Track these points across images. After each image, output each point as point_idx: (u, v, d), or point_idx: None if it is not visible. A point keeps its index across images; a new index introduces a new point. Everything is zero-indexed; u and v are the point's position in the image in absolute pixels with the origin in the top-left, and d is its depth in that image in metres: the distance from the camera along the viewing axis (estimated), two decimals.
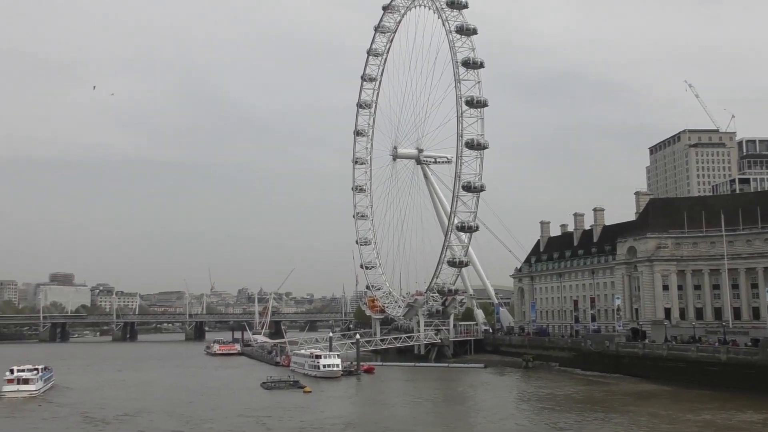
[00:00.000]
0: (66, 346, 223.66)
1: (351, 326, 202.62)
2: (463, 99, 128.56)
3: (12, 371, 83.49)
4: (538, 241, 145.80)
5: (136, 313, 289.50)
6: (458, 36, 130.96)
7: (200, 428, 59.65)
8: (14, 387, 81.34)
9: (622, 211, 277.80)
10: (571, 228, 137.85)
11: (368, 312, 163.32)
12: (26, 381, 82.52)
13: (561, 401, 73.65)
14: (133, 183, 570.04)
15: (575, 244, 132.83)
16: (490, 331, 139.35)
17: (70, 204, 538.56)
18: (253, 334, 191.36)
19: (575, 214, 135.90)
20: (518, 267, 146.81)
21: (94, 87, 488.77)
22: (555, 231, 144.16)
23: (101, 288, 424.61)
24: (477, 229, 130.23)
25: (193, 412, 68.41)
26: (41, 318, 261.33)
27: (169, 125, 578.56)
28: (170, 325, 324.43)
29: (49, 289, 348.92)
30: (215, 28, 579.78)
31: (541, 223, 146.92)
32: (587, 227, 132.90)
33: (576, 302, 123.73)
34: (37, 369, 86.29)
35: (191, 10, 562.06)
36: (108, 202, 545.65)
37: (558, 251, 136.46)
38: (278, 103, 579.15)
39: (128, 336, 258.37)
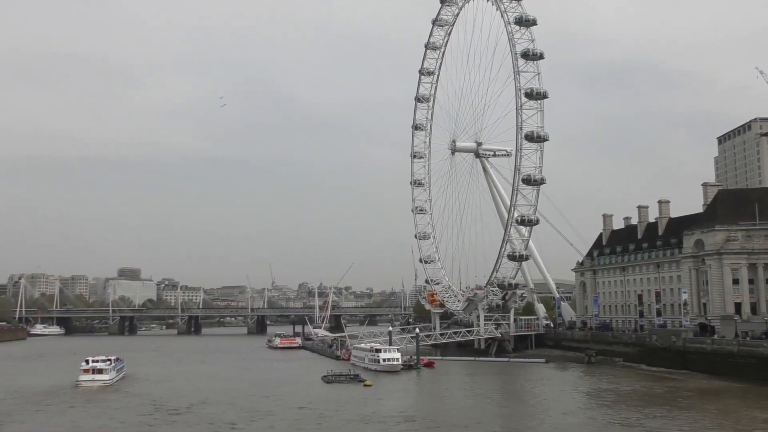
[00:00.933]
0: (134, 338, 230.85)
1: (410, 320, 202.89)
2: (522, 91, 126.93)
3: (87, 362, 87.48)
4: (601, 234, 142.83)
5: (200, 307, 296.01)
6: (517, 27, 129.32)
7: (262, 420, 60.57)
8: (89, 377, 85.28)
9: (689, 203, 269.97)
10: (634, 221, 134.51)
11: (427, 306, 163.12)
12: (100, 371, 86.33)
13: (624, 397, 72.19)
14: (196, 181, 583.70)
15: (639, 237, 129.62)
16: (551, 325, 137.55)
17: (136, 202, 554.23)
18: (314, 328, 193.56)
19: (639, 207, 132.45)
20: (580, 261, 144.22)
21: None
22: (618, 224, 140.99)
23: (166, 282, 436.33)
24: (537, 222, 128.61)
25: (255, 404, 69.58)
26: (110, 311, 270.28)
27: (232, 124, 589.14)
28: (233, 318, 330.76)
29: (117, 284, 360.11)
30: (274, 26, 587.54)
31: (604, 216, 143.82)
32: (651, 220, 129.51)
33: (640, 296, 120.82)
34: (110, 360, 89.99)
35: (249, 9, 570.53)
36: (172, 200, 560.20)
37: (621, 244, 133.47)
38: (337, 99, 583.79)
39: (193, 329, 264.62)
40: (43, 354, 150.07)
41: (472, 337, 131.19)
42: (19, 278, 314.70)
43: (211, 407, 67.38)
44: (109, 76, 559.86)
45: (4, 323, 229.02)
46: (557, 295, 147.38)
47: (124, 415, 63.51)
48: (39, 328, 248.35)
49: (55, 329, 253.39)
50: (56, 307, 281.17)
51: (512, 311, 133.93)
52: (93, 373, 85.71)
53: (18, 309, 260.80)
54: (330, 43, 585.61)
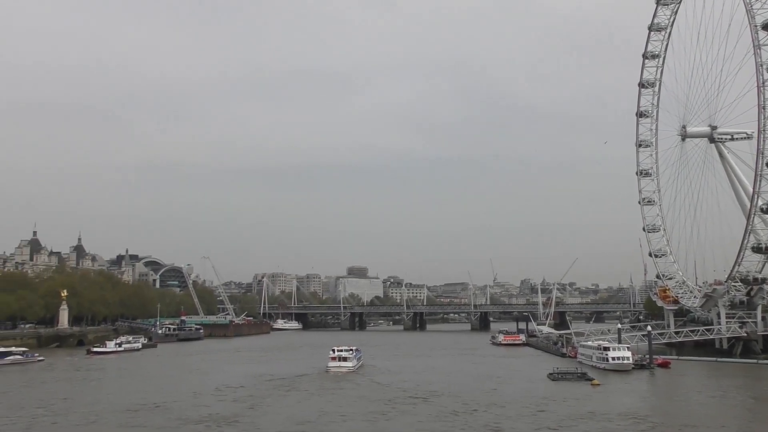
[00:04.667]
0: (364, 333, 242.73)
1: (640, 318, 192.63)
2: (764, 66, 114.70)
3: (334, 351, 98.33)
4: None
5: (424, 303, 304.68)
6: None
7: (485, 413, 60.59)
8: (336, 363, 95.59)
9: None
10: None
11: (659, 303, 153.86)
12: (344, 359, 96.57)
13: None
14: (413, 181, 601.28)
15: None
16: None
17: (359, 204, 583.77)
18: (538, 324, 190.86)
19: None
20: None
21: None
22: None
23: (392, 280, 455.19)
24: None
25: (478, 397, 69.80)
26: (341, 308, 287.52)
27: (444, 122, 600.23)
28: (456, 315, 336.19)
29: (347, 282, 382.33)
30: (484, 19, 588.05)
31: None
32: None
33: None
34: (351, 350, 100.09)
35: (458, 4, 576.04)
36: (393, 201, 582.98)
37: None
38: (551, 90, 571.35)
39: (418, 325, 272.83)
40: (289, 346, 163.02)
41: (711, 336, 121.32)
42: (262, 277, 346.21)
43: (437, 398, 68.88)
44: (330, 85, 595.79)
45: (251, 318, 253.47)
46: None
47: (364, 401, 67.37)
48: (280, 323, 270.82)
49: (294, 324, 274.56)
50: (294, 303, 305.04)
51: (759, 308, 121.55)
52: (339, 360, 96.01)
53: (262, 305, 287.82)
54: (542, 32, 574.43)
